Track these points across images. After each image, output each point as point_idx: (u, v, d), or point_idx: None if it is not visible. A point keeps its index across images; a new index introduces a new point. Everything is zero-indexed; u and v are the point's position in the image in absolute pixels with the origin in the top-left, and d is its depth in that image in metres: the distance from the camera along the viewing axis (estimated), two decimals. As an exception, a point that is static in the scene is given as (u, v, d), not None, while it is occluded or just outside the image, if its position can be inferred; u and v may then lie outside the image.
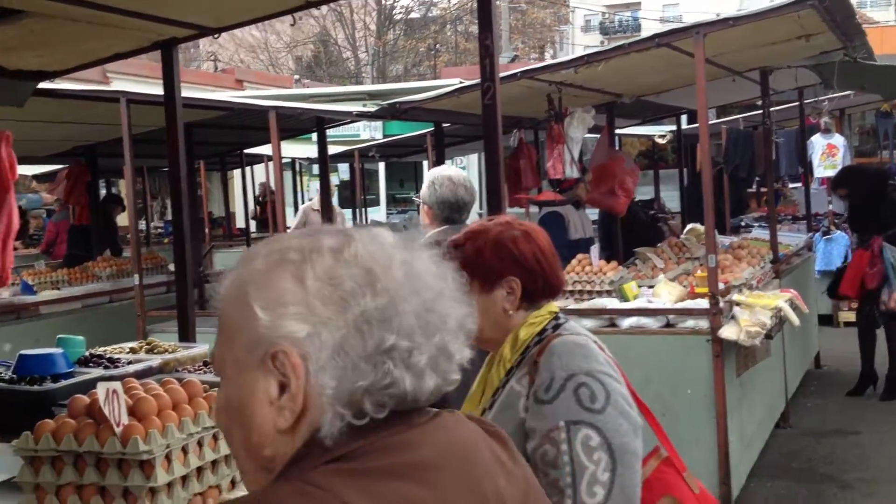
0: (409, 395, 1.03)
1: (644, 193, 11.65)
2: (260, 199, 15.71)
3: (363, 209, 14.36)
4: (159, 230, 15.36)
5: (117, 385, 2.25)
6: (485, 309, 2.10)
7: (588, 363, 1.99)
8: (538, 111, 7.23)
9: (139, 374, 2.96)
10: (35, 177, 14.27)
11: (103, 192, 12.10)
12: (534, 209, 9.76)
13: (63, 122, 7.82)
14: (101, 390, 2.19)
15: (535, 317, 2.14)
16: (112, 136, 8.60)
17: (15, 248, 13.66)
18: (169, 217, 16.50)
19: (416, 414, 1.07)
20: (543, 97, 6.76)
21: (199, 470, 2.32)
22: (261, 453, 1.04)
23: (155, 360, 3.08)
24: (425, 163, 16.46)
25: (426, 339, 1.04)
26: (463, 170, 18.25)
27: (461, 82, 7.71)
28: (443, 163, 9.43)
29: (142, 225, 13.32)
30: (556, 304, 2.21)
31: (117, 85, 13.19)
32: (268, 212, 14.67)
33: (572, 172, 6.88)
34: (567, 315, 2.20)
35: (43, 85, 5.91)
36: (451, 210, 3.43)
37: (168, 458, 2.20)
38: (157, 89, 5.20)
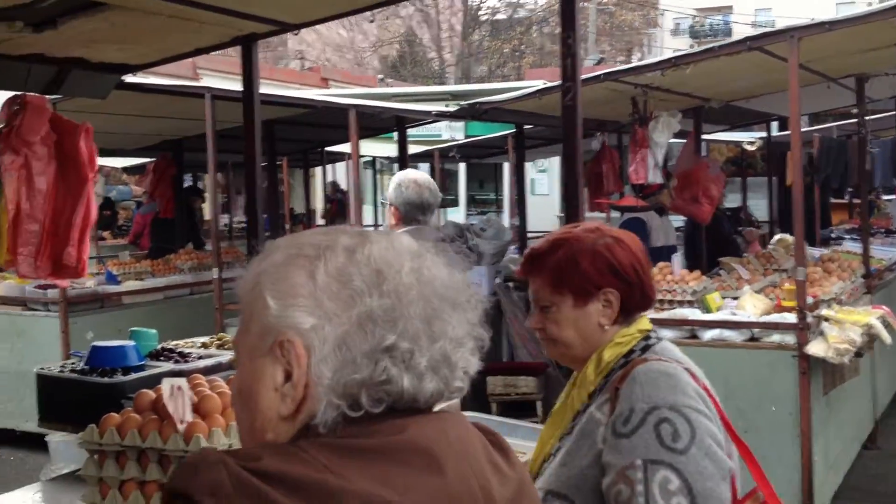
0: (406, 393, 1.06)
1: (731, 201, 11.35)
2: (330, 196, 15.80)
3: (442, 209, 14.34)
4: (242, 225, 15.60)
5: (182, 382, 2.23)
6: (576, 323, 1.96)
7: (674, 395, 1.79)
8: (622, 114, 7.08)
9: (208, 370, 2.95)
10: (125, 169, 14.65)
11: (190, 185, 12.34)
12: (615, 215, 9.60)
13: (152, 117, 7.99)
14: (165, 386, 2.17)
15: (623, 335, 1.96)
16: (198, 132, 8.75)
17: (103, 239, 14.08)
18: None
19: (415, 412, 1.09)
20: (628, 100, 6.61)
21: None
22: (263, 437, 1.08)
23: (224, 357, 3.07)
24: (506, 165, 16.37)
25: (429, 343, 1.07)
26: (544, 172, 18.11)
27: (545, 84, 7.60)
28: (524, 165, 9.35)
29: (225, 219, 13.55)
30: (648, 321, 2.03)
31: (207, 81, 13.44)
32: (335, 210, 14.80)
33: (655, 178, 6.71)
34: (659, 335, 2.01)
35: (133, 79, 6.05)
36: (416, 210, 3.59)
37: (230, 457, 2.17)
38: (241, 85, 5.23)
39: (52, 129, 3.17)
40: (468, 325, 1.12)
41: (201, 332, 7.31)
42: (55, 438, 2.91)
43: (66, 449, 2.87)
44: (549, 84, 6.81)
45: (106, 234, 14.71)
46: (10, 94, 3.22)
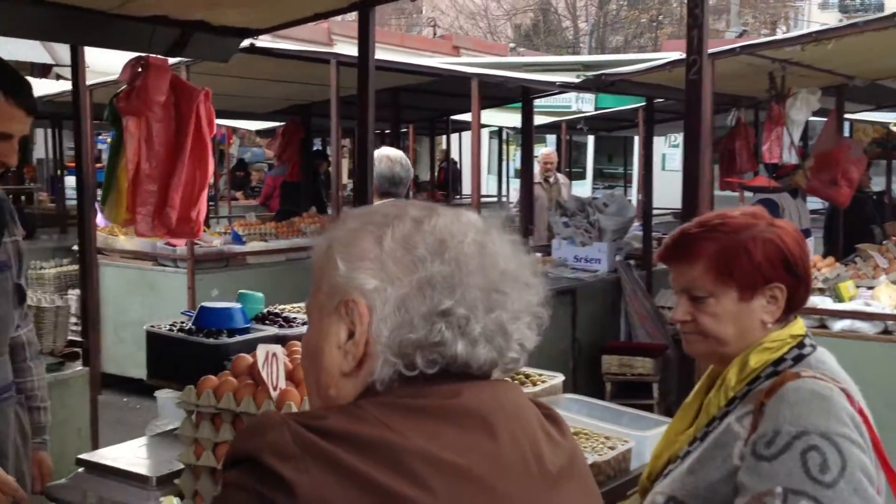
0: (459, 357, 1.11)
1: (876, 185, 10.72)
2: (441, 164, 15.73)
3: (568, 183, 14.09)
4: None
5: (277, 349, 2.23)
6: (737, 319, 1.77)
7: (826, 421, 1.61)
8: (759, 90, 6.74)
9: (311, 336, 2.96)
10: (258, 132, 15.03)
11: (318, 149, 12.56)
12: (746, 195, 9.21)
13: (282, 81, 8.12)
14: (260, 353, 2.17)
15: (774, 340, 1.77)
16: (326, 97, 8.86)
17: (236, 199, 14.49)
18: (378, 178, 16.93)
19: (468, 377, 1.14)
20: (765, 75, 6.28)
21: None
22: (327, 392, 1.15)
23: (328, 324, 3.07)
24: (636, 138, 15.98)
25: (485, 313, 1.12)
26: (676, 147, 17.58)
27: (680, 55, 7.30)
28: (652, 139, 9.06)
29: (350, 185, 13.73)
30: (802, 325, 1.83)
31: (340, 47, 13.62)
32: (442, 178, 14.77)
33: (790, 158, 6.37)
34: (814, 341, 1.80)
35: (263, 44, 6.14)
36: (388, 184, 3.87)
37: (321, 427, 2.16)
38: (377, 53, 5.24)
39: (172, 91, 3.24)
40: (527, 301, 1.17)
41: (320, 295, 7.45)
42: (162, 394, 2.99)
43: (171, 405, 2.94)
44: (682, 56, 6.53)
45: (239, 194, 15.18)
46: (133, 55, 3.30)
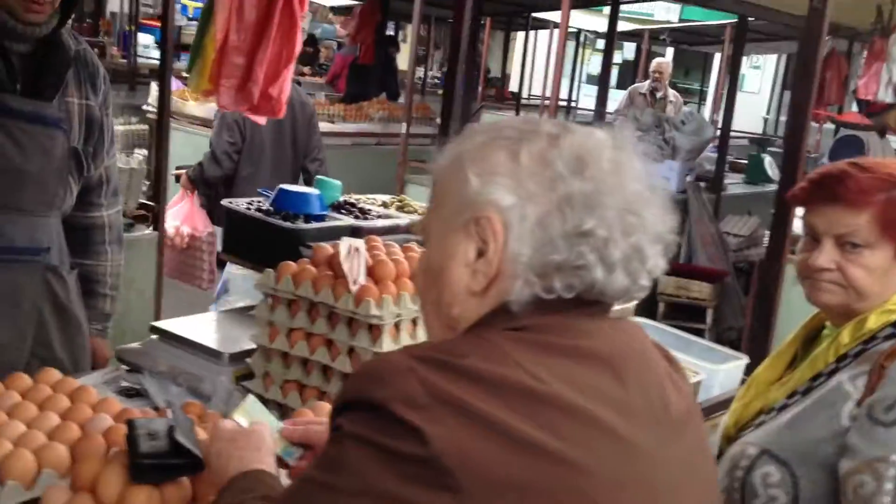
0: (597, 283, 1.06)
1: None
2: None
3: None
4: (436, 80, 15.58)
5: (360, 244, 2.19)
6: (885, 276, 1.68)
7: None
8: (862, 21, 6.41)
9: (385, 230, 2.93)
10: (332, 8, 14.79)
11: (392, 34, 12.34)
12: (827, 126, 8.89)
13: (364, -41, 7.93)
14: (343, 246, 2.14)
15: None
16: (407, -20, 8.64)
17: (303, 75, 14.39)
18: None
19: (601, 309, 1.10)
20: (873, 6, 5.96)
21: (425, 344, 2.26)
22: (449, 312, 1.11)
23: (402, 220, 3.03)
24: (717, 55, 15.45)
25: (623, 236, 1.07)
26: (757, 69, 16.97)
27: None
28: (740, 59, 8.69)
29: (419, 73, 13.53)
30: None
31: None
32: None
33: (886, 96, 6.10)
34: None
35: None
36: None
37: (397, 326, 2.15)
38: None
39: (268, -38, 3.13)
40: (662, 225, 1.12)
41: (382, 182, 7.43)
42: (233, 270, 3.00)
43: (241, 282, 2.96)
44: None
45: (306, 69, 15.06)
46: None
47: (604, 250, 1.06)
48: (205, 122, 7.61)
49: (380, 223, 2.94)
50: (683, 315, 6.64)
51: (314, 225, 2.77)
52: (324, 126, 7.92)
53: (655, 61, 10.09)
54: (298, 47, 3.00)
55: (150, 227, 4.11)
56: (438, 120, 9.41)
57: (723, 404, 2.40)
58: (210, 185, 5.17)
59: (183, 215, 5.09)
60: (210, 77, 3.06)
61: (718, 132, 8.43)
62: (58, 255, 2.41)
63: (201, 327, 2.53)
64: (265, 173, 4.99)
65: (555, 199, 1.05)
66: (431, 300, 1.14)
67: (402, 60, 11.58)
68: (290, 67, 3.07)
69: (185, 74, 5.68)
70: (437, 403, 0.95)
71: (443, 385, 0.96)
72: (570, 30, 14.86)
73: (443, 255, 1.11)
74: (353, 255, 2.15)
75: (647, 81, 9.55)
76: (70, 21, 2.38)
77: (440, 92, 14.11)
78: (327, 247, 2.27)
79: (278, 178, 4.44)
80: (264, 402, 2.20)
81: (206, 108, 7.50)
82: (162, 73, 3.72)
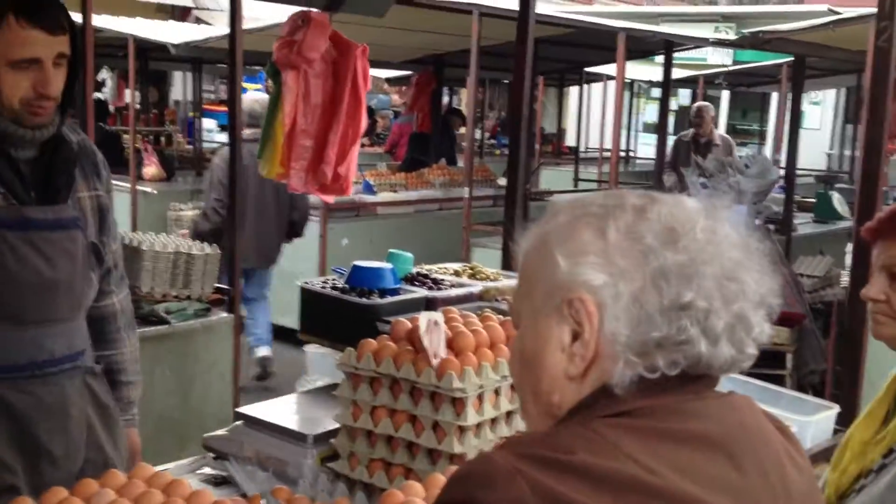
0: (703, 358, 1.02)
1: None
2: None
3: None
4: (491, 142, 15.69)
5: (439, 317, 2.19)
6: None
7: None
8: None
9: (459, 299, 2.93)
10: (387, 80, 15.08)
11: (446, 99, 12.51)
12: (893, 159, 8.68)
13: (418, 31, 8.09)
14: (423, 320, 2.14)
15: None
16: (460, 47, 8.77)
17: (362, 146, 14.64)
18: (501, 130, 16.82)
19: (707, 384, 1.06)
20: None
21: (509, 414, 2.23)
22: (549, 399, 1.07)
23: (476, 287, 3.03)
24: (774, 95, 15.28)
25: (724, 305, 1.02)
26: (816, 105, 16.74)
27: (830, 10, 6.88)
28: (800, 97, 8.62)
29: (477, 135, 13.64)
30: None
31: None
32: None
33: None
34: None
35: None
36: (249, 118, 4.92)
37: (480, 397, 2.13)
38: (509, 2, 5.13)
39: (331, 46, 3.22)
40: (765, 290, 1.07)
41: (448, 248, 7.46)
42: (311, 349, 3.01)
43: (321, 361, 2.98)
44: (841, 10, 6.14)
45: (365, 140, 15.32)
46: (293, 8, 3.29)
47: (706, 322, 1.01)
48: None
49: (453, 293, 2.94)
50: (762, 362, 6.46)
51: (389, 299, 2.77)
52: (387, 195, 8.03)
53: (694, 106, 9.87)
54: (364, 126, 3.06)
55: (225, 311, 4.18)
56: (499, 181, 9.47)
57: (815, 457, 2.32)
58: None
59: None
60: (281, 161, 3.12)
61: (782, 172, 8.30)
62: (90, 354, 2.35)
63: (284, 410, 2.54)
64: (250, 226, 5.69)
65: (648, 274, 1.02)
66: (528, 387, 1.10)
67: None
68: (356, 146, 3.12)
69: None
70: None
71: (551, 485, 0.92)
72: (627, 80, 14.94)
73: (537, 340, 1.08)
74: (432, 329, 2.15)
75: (691, 130, 9.45)
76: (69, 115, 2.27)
77: (496, 153, 14.23)
78: (406, 321, 2.28)
79: (261, 228, 5.82)
80: (350, 482, 2.20)
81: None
82: (232, 160, 3.81)
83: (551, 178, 12.16)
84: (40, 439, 2.17)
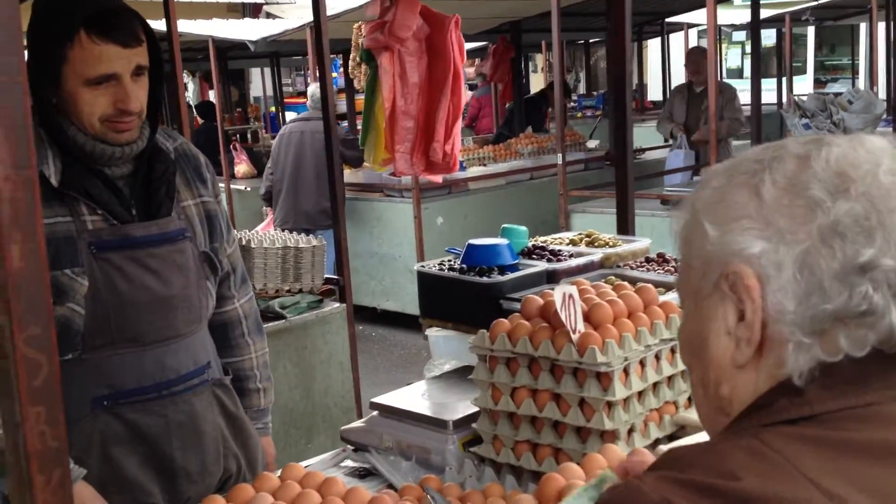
0: (895, 331, 0.84)
1: None
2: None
3: (784, 78, 13.11)
4: (572, 104, 15.43)
5: (573, 290, 2.11)
6: None
7: None
8: None
9: (581, 269, 2.84)
10: (461, 52, 14.97)
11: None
12: None
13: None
14: (557, 294, 2.06)
15: None
16: (537, 11, 8.60)
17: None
18: (580, 91, 16.54)
19: None
20: None
21: (656, 385, 2.14)
22: (718, 391, 0.94)
23: (596, 255, 2.94)
24: (863, 25, 14.61)
25: None
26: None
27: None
28: (892, 28, 8.20)
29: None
30: None
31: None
32: None
33: None
34: None
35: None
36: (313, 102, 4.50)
37: (626, 370, 2.04)
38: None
39: (422, 23, 3.14)
40: None
41: (543, 218, 7.34)
42: (434, 333, 2.96)
43: (444, 343, 2.92)
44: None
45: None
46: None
47: None
48: (364, 188, 7.79)
49: (574, 263, 2.85)
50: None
51: (511, 276, 2.70)
52: (477, 170, 7.95)
53: (687, 52, 8.84)
54: (464, 100, 2.97)
55: (338, 301, 4.17)
56: (588, 144, 9.28)
57: None
58: (269, 201, 7.22)
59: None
60: (385, 146, 3.07)
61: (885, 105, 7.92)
62: (216, 365, 2.29)
63: (418, 397, 2.50)
64: (289, 189, 6.83)
65: (815, 231, 0.85)
66: (698, 378, 0.98)
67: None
68: (458, 122, 3.04)
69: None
70: None
71: None
72: (699, 27, 14.46)
73: (700, 324, 0.95)
74: (568, 303, 2.06)
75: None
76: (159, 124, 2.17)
77: (578, 115, 13.97)
78: (537, 298, 2.20)
79: (296, 193, 6.72)
80: (496, 466, 2.14)
81: (361, 175, 7.71)
82: (329, 152, 3.76)
83: (639, 135, 11.88)
84: (175, 459, 2.13)
